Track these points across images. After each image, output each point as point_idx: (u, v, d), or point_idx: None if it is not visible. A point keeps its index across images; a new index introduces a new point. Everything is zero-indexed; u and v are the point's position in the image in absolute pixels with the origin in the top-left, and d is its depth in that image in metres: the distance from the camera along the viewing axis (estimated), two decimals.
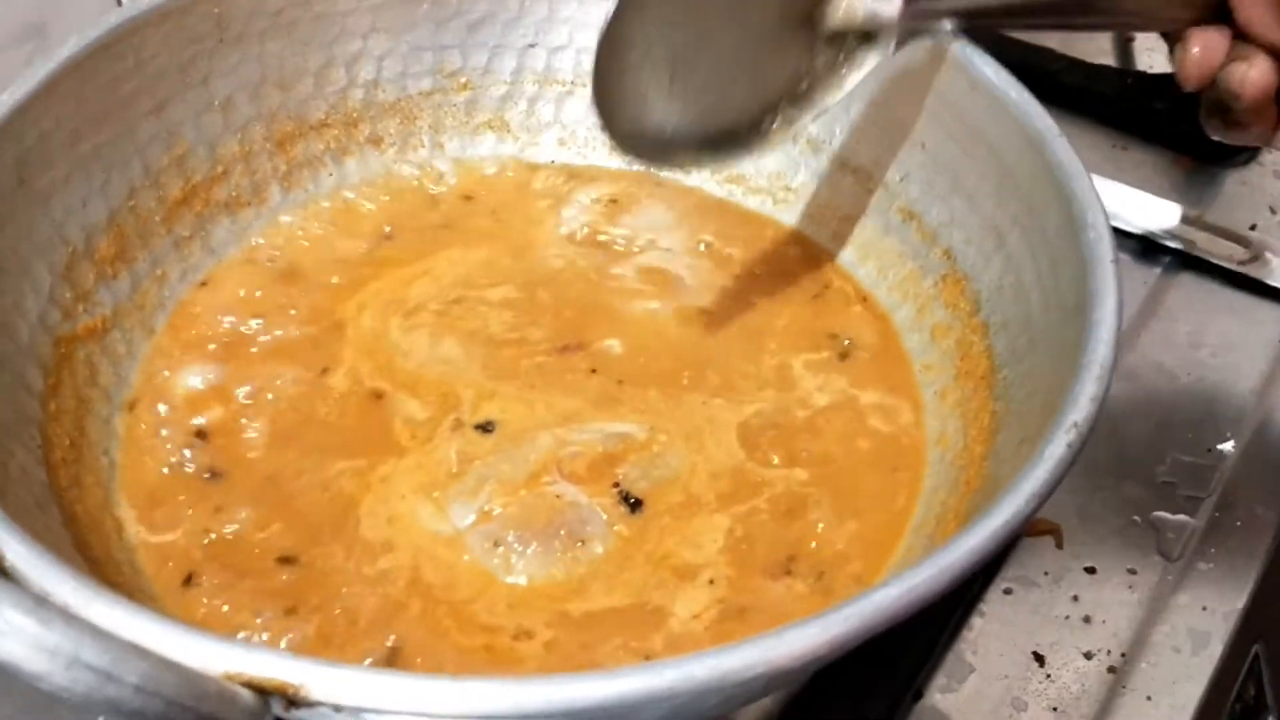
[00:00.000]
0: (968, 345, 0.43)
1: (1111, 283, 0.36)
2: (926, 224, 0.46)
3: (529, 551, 0.39)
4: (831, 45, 0.43)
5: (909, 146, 0.47)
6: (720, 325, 0.47)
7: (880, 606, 0.29)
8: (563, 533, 0.40)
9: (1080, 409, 0.33)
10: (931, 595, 0.30)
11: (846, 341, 0.46)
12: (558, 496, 0.41)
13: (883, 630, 0.30)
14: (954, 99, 0.45)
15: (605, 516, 0.40)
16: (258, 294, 0.47)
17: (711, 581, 0.39)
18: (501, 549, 0.39)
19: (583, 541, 0.40)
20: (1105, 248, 0.37)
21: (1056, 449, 0.32)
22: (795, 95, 0.43)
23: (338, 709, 0.27)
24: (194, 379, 0.44)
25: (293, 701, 0.27)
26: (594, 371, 0.45)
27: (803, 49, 0.43)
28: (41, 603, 0.23)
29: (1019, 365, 0.40)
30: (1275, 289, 0.55)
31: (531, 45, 0.52)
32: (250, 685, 0.27)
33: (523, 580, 0.39)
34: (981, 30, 0.44)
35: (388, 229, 0.50)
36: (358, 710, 0.27)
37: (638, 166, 0.52)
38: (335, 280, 0.48)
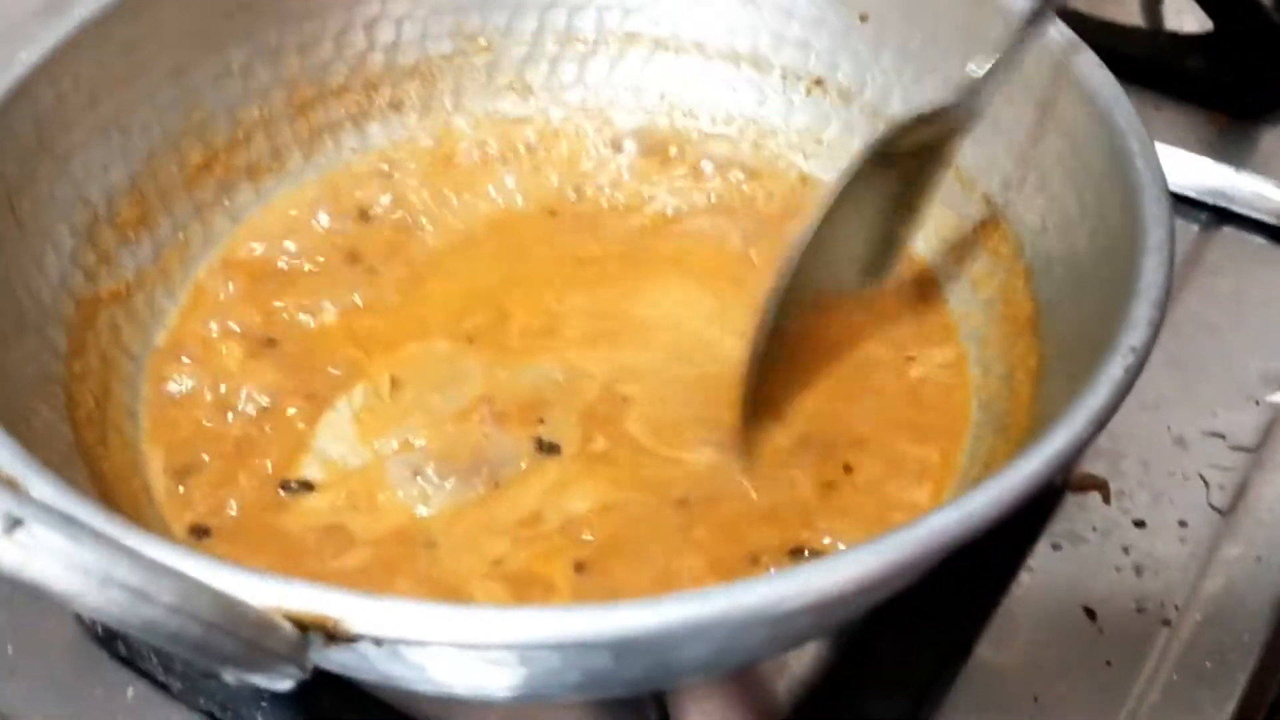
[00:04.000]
0: (1011, 290, 0.42)
1: (1164, 208, 0.35)
2: (964, 170, 0.45)
3: (447, 485, 0.39)
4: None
5: (940, 90, 0.46)
6: (756, 283, 0.46)
7: (936, 531, 0.28)
8: (484, 471, 0.39)
9: (1138, 333, 0.32)
10: (990, 520, 0.29)
11: (886, 293, 0.45)
12: (485, 435, 0.40)
13: (938, 560, 0.29)
14: (984, 36, 0.44)
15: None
16: (281, 262, 0.47)
17: None
18: (420, 479, 0.39)
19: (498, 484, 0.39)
20: (1155, 174, 0.36)
21: (1114, 372, 0.31)
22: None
23: (379, 643, 0.26)
24: (215, 343, 0.44)
25: (332, 635, 0.26)
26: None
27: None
28: (71, 520, 0.22)
29: (1067, 306, 0.39)
30: None
31: (552, 5, 0.51)
32: (289, 619, 0.26)
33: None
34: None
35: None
36: (398, 642, 0.26)
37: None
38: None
